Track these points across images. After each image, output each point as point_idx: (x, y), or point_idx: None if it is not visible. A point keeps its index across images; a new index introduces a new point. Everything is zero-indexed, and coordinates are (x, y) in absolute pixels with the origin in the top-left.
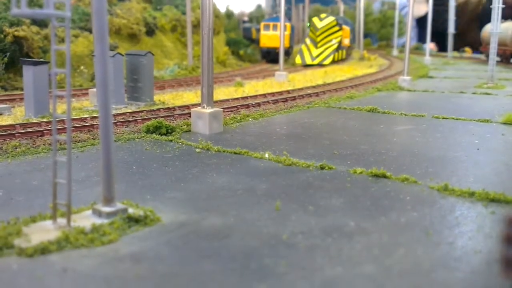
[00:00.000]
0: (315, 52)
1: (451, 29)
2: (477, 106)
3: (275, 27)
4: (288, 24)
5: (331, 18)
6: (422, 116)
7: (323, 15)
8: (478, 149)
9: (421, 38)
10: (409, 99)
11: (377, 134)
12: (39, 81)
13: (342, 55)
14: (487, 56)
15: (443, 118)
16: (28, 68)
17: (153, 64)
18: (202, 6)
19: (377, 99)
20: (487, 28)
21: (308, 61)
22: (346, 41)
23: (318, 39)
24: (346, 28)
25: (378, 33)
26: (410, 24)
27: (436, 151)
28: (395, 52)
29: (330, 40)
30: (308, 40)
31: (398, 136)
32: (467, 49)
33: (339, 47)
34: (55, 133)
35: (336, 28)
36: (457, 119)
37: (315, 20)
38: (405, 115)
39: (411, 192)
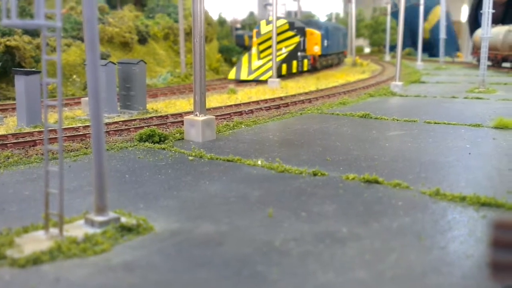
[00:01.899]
0: (255, 63)
1: (442, 34)
2: (469, 110)
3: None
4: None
5: (282, 21)
6: (414, 121)
7: (271, 18)
8: (469, 153)
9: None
10: (401, 105)
11: (370, 140)
12: (31, 91)
13: (304, 66)
14: (479, 60)
15: (435, 123)
16: (20, 77)
17: (145, 72)
18: (193, 14)
19: (369, 105)
20: (478, 33)
21: (244, 76)
22: (316, 49)
23: (261, 47)
24: (315, 33)
25: (370, 39)
26: (401, 30)
27: (428, 156)
28: (387, 57)
29: (279, 49)
30: (254, 49)
31: (391, 142)
32: (459, 54)
33: (297, 56)
34: (46, 143)
35: (290, 33)
36: (448, 124)
37: (263, 23)
38: (397, 120)
39: (403, 197)
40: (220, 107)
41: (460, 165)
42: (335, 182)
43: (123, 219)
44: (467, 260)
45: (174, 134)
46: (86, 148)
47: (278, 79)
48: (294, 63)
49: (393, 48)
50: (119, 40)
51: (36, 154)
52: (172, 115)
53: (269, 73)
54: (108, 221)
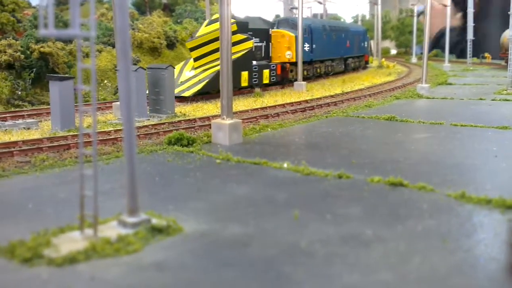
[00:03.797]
0: (187, 74)
1: (470, 35)
2: (496, 112)
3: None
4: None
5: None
6: (441, 123)
7: (216, 16)
8: (496, 156)
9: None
10: (427, 107)
11: (395, 143)
12: (65, 96)
13: (264, 77)
14: (507, 62)
15: (461, 125)
16: (55, 83)
17: (174, 77)
18: (221, 19)
19: (395, 107)
20: (506, 34)
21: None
22: (288, 55)
23: (195, 53)
24: (288, 35)
25: (396, 41)
26: (427, 32)
27: (454, 158)
28: (413, 59)
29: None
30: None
31: (416, 144)
32: (487, 55)
33: (250, 65)
34: (81, 147)
35: (239, 36)
36: (475, 126)
37: (205, 24)
38: (423, 123)
39: (428, 200)
40: (247, 111)
41: (486, 168)
42: (360, 185)
43: (154, 220)
44: (492, 263)
45: (202, 138)
46: (118, 152)
47: (304, 82)
48: (244, 74)
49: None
50: (148, 46)
51: (70, 158)
52: (200, 118)
53: (198, 87)
54: (139, 222)
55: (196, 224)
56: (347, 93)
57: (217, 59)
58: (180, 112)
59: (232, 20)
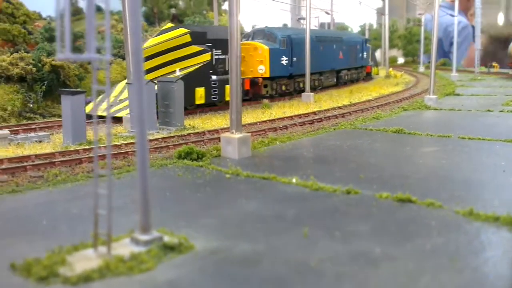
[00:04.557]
0: (125, 92)
1: (478, 45)
2: (504, 125)
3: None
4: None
5: (180, 31)
6: (448, 136)
7: (169, 25)
8: (504, 171)
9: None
10: (435, 119)
11: (403, 157)
12: (77, 110)
13: (226, 94)
14: None
15: (469, 138)
16: (66, 98)
17: (183, 90)
18: (230, 35)
19: (403, 119)
20: None
21: (102, 109)
22: (261, 69)
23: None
24: (262, 48)
25: (403, 49)
26: (435, 42)
27: (462, 173)
28: (421, 68)
29: (173, 71)
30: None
31: (424, 158)
32: (495, 64)
33: (208, 81)
34: (97, 168)
35: (194, 48)
36: (483, 139)
37: (155, 35)
38: (431, 135)
39: (437, 217)
40: (255, 123)
41: (494, 183)
42: (368, 201)
43: (166, 238)
44: (501, 281)
45: (211, 151)
46: (129, 166)
47: (312, 93)
48: (199, 91)
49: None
50: None
51: (82, 172)
52: (209, 131)
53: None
54: (152, 240)
55: (207, 241)
56: (354, 104)
57: (172, 72)
58: (189, 125)
59: (185, 30)
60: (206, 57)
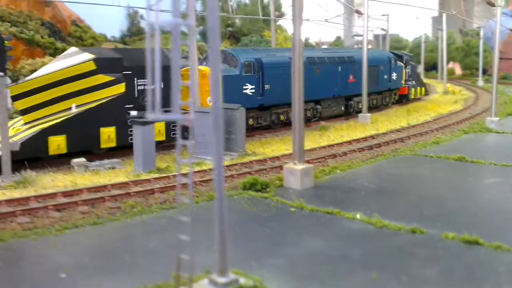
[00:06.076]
0: (14, 127)
1: None
2: None
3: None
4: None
5: (85, 56)
6: None
7: (74, 49)
8: None
9: None
10: (498, 144)
11: (466, 188)
12: (147, 139)
13: (158, 134)
14: None
15: None
16: (138, 127)
17: (245, 117)
18: (293, 47)
19: (464, 144)
20: None
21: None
22: (210, 101)
23: (28, 102)
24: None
25: (461, 62)
26: (496, 59)
27: None
28: (480, 82)
29: (68, 108)
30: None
31: (488, 192)
32: None
33: (123, 118)
34: (179, 197)
35: (101, 79)
36: None
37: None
38: (495, 164)
39: (505, 262)
40: (314, 149)
41: None
42: (434, 241)
43: (242, 280)
44: None
45: (274, 181)
46: (197, 197)
47: (368, 114)
48: (107, 131)
49: (485, 71)
50: None
51: (155, 203)
52: (270, 158)
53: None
54: (229, 283)
55: (279, 283)
56: (413, 126)
57: (67, 109)
58: (250, 150)
59: (89, 56)
60: (119, 89)
